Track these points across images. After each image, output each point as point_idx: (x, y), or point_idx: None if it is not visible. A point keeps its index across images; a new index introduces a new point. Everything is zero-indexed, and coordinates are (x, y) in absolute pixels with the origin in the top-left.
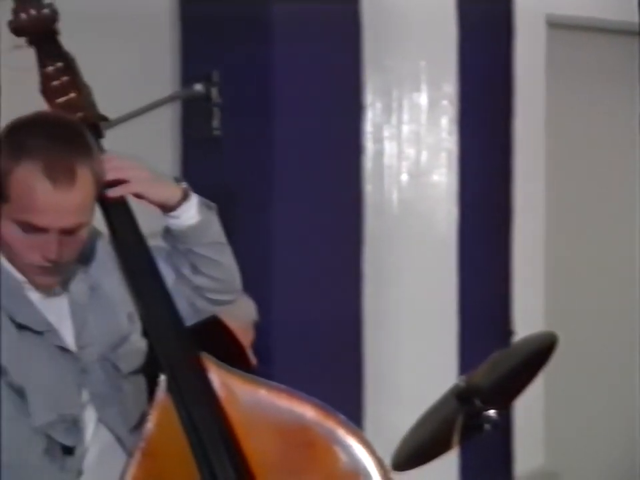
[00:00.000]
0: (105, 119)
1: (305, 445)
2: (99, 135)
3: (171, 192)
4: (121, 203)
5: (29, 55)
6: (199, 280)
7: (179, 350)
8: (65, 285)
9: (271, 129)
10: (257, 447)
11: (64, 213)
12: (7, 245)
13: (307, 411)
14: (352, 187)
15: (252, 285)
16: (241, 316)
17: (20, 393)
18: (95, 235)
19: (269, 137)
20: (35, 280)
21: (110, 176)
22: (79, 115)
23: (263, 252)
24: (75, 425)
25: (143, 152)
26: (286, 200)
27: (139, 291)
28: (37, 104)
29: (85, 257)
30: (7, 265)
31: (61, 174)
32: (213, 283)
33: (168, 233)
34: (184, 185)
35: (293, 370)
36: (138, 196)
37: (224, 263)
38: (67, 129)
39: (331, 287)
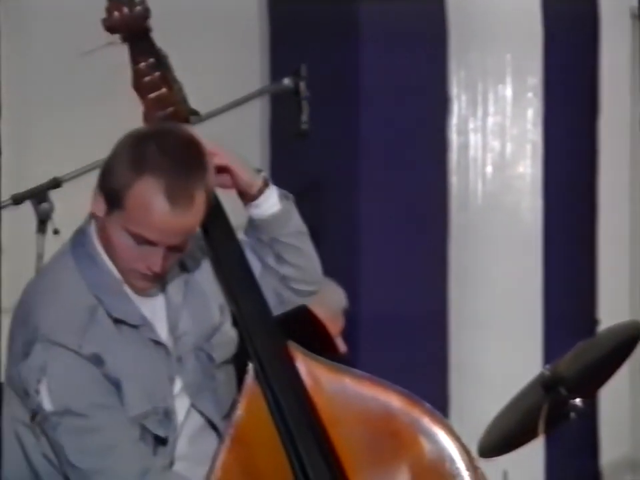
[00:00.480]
0: (196, 113)
1: (391, 433)
2: None
3: (255, 177)
4: (216, 204)
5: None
6: (284, 269)
7: (267, 340)
8: (162, 287)
9: (357, 122)
10: (343, 435)
11: (177, 233)
12: (113, 248)
13: (392, 400)
14: (437, 179)
15: (340, 275)
16: (330, 304)
17: (116, 384)
18: None
19: (356, 130)
20: (133, 283)
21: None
22: (170, 109)
23: (350, 243)
24: (167, 417)
25: (232, 146)
26: (372, 192)
27: (229, 283)
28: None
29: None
30: (108, 262)
31: (180, 198)
32: (297, 272)
33: (251, 225)
34: (263, 173)
35: (378, 357)
36: (226, 170)
37: (307, 251)
38: (190, 149)
39: (417, 276)
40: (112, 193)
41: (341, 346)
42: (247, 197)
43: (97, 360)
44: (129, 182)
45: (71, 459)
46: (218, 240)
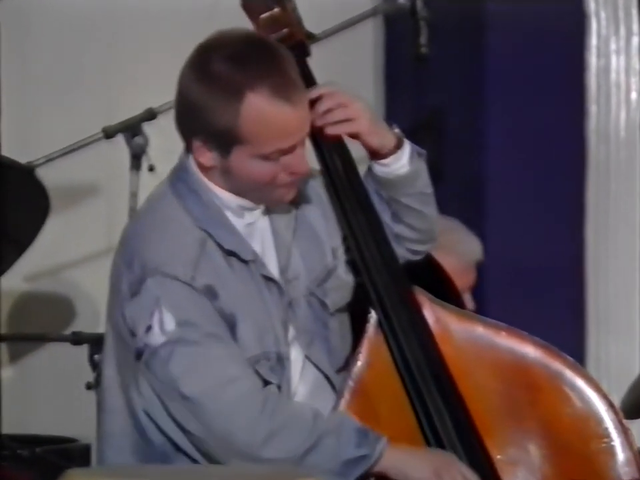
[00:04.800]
0: (311, 36)
1: (528, 387)
2: (305, 53)
3: (388, 138)
4: (338, 142)
5: None
6: (399, 228)
7: (392, 284)
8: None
9: (483, 46)
10: (473, 388)
11: (304, 124)
12: (249, 181)
13: (530, 351)
14: (574, 107)
15: (462, 217)
16: (462, 254)
17: (230, 320)
18: None
19: (481, 55)
20: (278, 199)
21: (337, 114)
22: (284, 31)
23: (473, 182)
24: (279, 363)
25: (344, 71)
26: (499, 124)
27: (352, 225)
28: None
29: None
30: (214, 197)
31: (289, 88)
32: (412, 233)
33: (372, 177)
34: (397, 131)
35: (508, 308)
36: (355, 136)
37: (427, 214)
38: (256, 39)
39: (550, 218)
40: (220, 135)
41: (469, 303)
42: (376, 155)
43: (210, 292)
44: (234, 112)
45: (185, 391)
46: (340, 183)
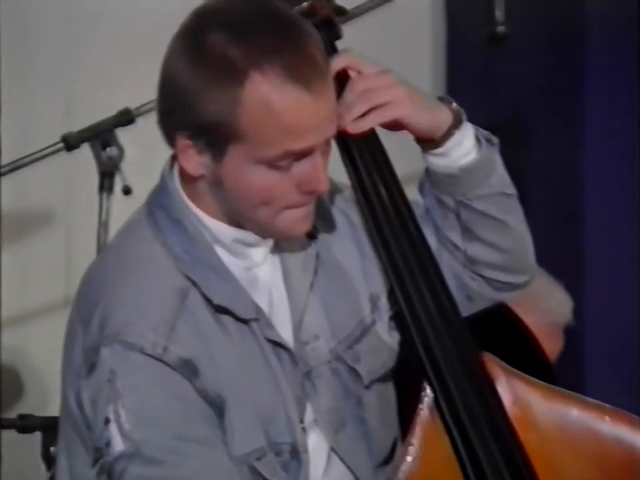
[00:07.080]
0: (343, 11)
1: None
2: (333, 34)
3: (443, 118)
4: (370, 137)
5: None
6: (474, 249)
7: (453, 349)
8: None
9: (579, 19)
10: None
11: (327, 123)
12: (249, 199)
13: None
14: None
15: (550, 262)
16: (547, 311)
17: (216, 405)
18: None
19: (576, 30)
20: (286, 230)
21: (363, 101)
22: (304, 5)
23: (567, 194)
24: (294, 458)
25: (392, 58)
26: (600, 119)
27: (395, 264)
28: None
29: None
30: (203, 228)
31: (310, 72)
32: (494, 255)
33: (430, 179)
34: (454, 105)
35: (609, 386)
36: (398, 125)
37: (511, 225)
38: (276, 9)
39: None
40: (212, 130)
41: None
42: (427, 142)
43: (188, 369)
44: (233, 99)
45: None
46: (376, 196)
